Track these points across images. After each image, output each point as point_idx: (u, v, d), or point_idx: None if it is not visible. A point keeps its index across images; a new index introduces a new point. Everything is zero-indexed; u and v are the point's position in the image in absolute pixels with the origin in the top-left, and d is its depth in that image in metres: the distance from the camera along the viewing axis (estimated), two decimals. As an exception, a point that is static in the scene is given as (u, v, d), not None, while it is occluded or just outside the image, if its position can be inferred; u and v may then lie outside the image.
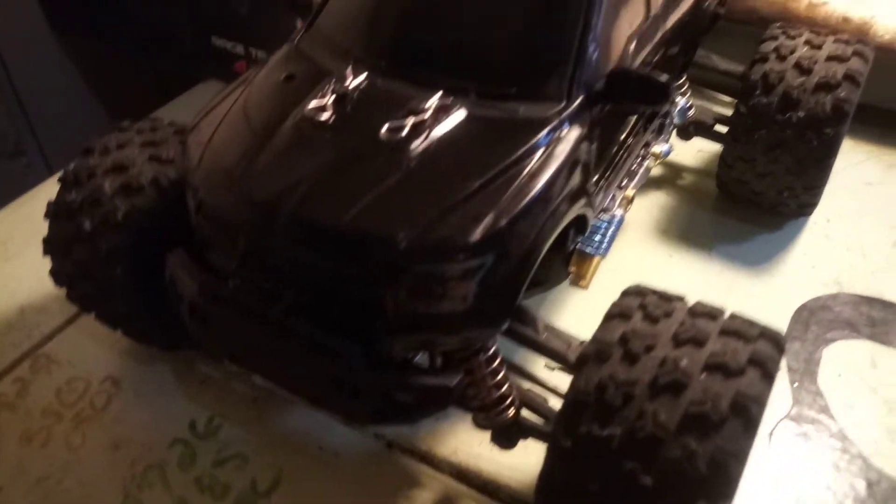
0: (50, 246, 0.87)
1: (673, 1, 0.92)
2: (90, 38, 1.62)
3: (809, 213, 1.18)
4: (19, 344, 1.02)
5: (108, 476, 0.86)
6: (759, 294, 1.08)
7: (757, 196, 1.14)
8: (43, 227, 0.87)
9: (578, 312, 1.03)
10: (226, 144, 0.70)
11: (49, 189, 0.92)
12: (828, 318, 1.04)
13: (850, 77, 1.02)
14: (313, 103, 0.69)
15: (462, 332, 0.65)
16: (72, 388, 0.96)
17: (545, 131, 0.68)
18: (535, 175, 0.66)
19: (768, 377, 0.62)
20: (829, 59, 1.04)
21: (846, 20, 1.32)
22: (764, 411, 0.61)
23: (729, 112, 1.12)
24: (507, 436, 0.75)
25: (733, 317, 0.69)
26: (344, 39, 0.78)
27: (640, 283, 0.75)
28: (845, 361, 0.99)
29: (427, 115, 0.68)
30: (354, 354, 0.64)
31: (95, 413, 0.94)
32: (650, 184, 1.26)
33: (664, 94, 0.71)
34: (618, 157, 0.90)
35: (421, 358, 0.73)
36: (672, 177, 1.28)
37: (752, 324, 0.68)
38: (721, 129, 1.15)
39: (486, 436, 0.77)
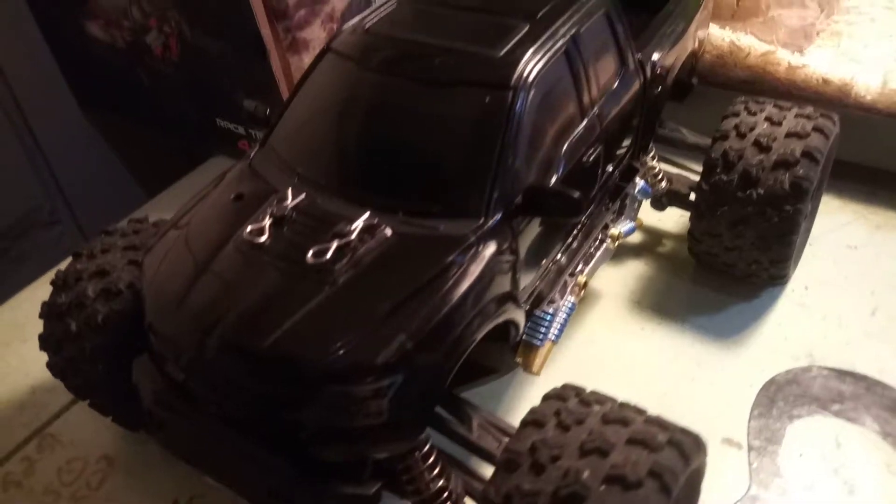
0: (44, 343, 0.96)
1: (614, 97, 0.95)
2: (114, 114, 1.74)
3: (783, 283, 1.18)
4: (29, 423, 1.11)
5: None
6: (729, 367, 1.09)
7: (729, 267, 1.16)
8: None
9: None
10: (174, 266, 0.77)
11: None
12: (795, 392, 1.05)
13: (808, 154, 1.03)
14: (252, 226, 0.76)
15: (379, 444, 0.70)
16: (71, 467, 1.05)
17: (461, 248, 0.73)
18: (448, 293, 0.70)
19: (666, 490, 0.64)
20: (789, 135, 1.06)
21: (826, 82, 1.32)
22: (658, 525, 0.64)
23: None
24: (447, 527, 0.79)
25: (647, 421, 0.72)
26: (290, 157, 0.85)
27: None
28: (809, 440, 0.99)
29: (352, 236, 0.73)
30: (282, 466, 0.69)
31: (90, 492, 1.01)
32: (629, 252, 1.28)
33: (577, 209, 0.75)
34: (562, 252, 0.94)
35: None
36: (653, 244, 1.30)
37: (664, 429, 0.71)
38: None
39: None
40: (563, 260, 0.97)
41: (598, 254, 1.04)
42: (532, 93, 0.80)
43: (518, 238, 0.79)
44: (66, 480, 1.03)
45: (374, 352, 0.66)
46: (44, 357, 1.07)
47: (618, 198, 1.08)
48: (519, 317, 0.83)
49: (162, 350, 0.76)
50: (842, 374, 1.06)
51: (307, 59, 1.31)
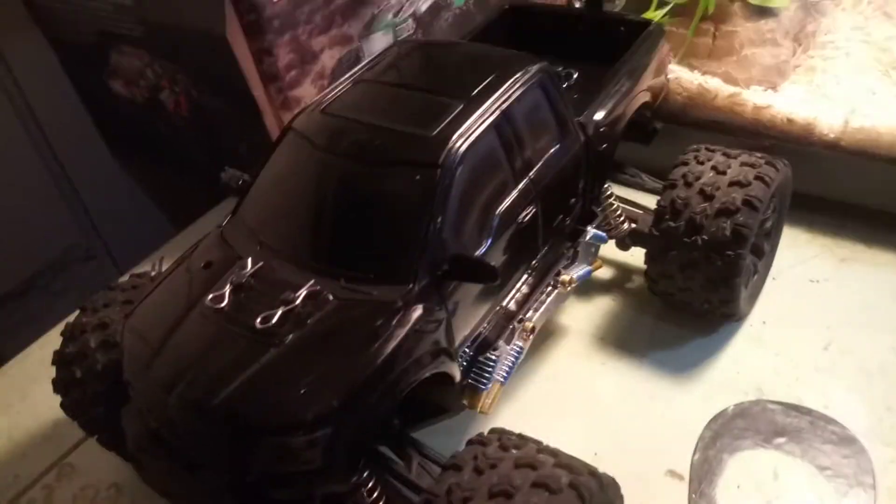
0: (57, 386, 1.09)
1: (552, 161, 1.04)
2: (140, 158, 1.90)
3: (737, 320, 1.25)
4: (51, 453, 1.25)
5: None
6: (680, 402, 1.16)
7: (686, 305, 1.23)
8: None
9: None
10: (148, 329, 0.88)
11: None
12: (741, 426, 1.11)
13: (748, 202, 1.10)
14: (213, 293, 0.87)
15: (317, 485, 0.81)
16: (84, 494, 1.18)
17: (389, 312, 0.83)
18: (374, 354, 0.80)
19: (561, 532, 0.73)
20: (731, 184, 1.12)
21: (791, 121, 1.38)
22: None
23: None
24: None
25: (557, 464, 0.80)
26: (255, 227, 0.96)
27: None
28: (748, 472, 1.05)
29: (297, 302, 0.84)
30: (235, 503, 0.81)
31: (101, 517, 1.15)
32: (598, 288, 1.36)
33: (493, 276, 0.84)
34: (510, 297, 1.03)
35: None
36: (621, 280, 1.38)
37: (570, 472, 0.79)
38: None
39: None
40: (512, 306, 1.06)
41: (550, 300, 1.12)
42: (460, 169, 0.89)
43: (449, 298, 0.89)
44: (80, 506, 1.17)
45: (305, 408, 0.77)
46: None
47: (571, 246, 1.16)
48: (453, 369, 0.92)
49: (136, 403, 0.89)
50: (788, 409, 1.12)
51: (299, 114, 1.43)
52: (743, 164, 1.15)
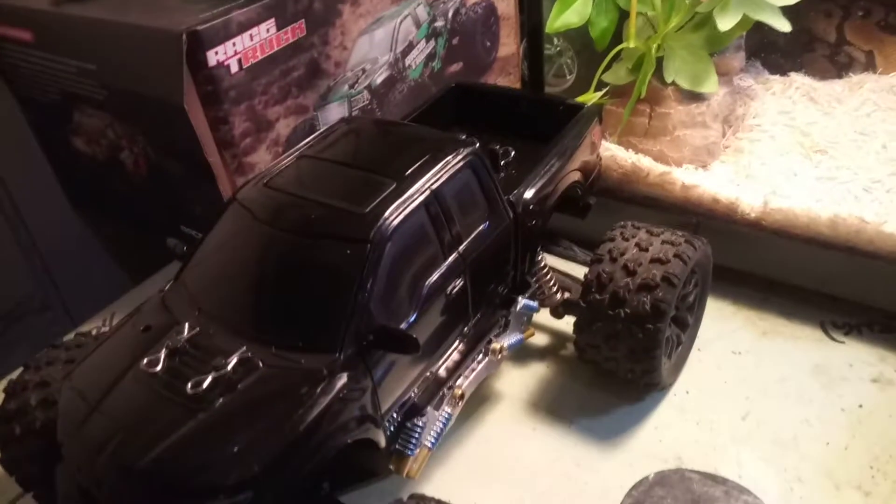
0: (-2, 442, 1.12)
1: (481, 237, 1.10)
2: (101, 213, 1.94)
3: (661, 390, 1.31)
4: (-7, 507, 1.27)
5: None
6: (604, 468, 1.21)
7: (612, 373, 1.29)
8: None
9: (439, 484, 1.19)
10: (83, 391, 0.92)
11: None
12: (659, 494, 1.16)
13: (667, 279, 1.17)
14: (149, 357, 0.91)
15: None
16: (21, 550, 1.20)
17: (312, 382, 0.87)
18: (296, 422, 0.84)
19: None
20: (653, 261, 1.20)
21: (716, 201, 1.47)
22: None
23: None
24: None
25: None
26: (195, 292, 1.00)
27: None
28: (662, 539, 1.10)
29: (228, 368, 0.88)
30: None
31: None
32: (533, 354, 1.42)
33: (414, 348, 0.90)
34: (439, 363, 1.08)
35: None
36: (557, 348, 1.44)
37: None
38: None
39: None
40: (443, 373, 1.11)
41: (480, 367, 1.17)
42: (389, 244, 0.95)
43: (376, 367, 0.94)
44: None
45: (227, 473, 0.81)
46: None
47: (503, 315, 1.22)
48: (378, 435, 0.96)
49: (68, 461, 0.92)
50: (705, 478, 1.18)
51: (252, 179, 1.49)
52: (664, 241, 1.23)
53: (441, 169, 1.05)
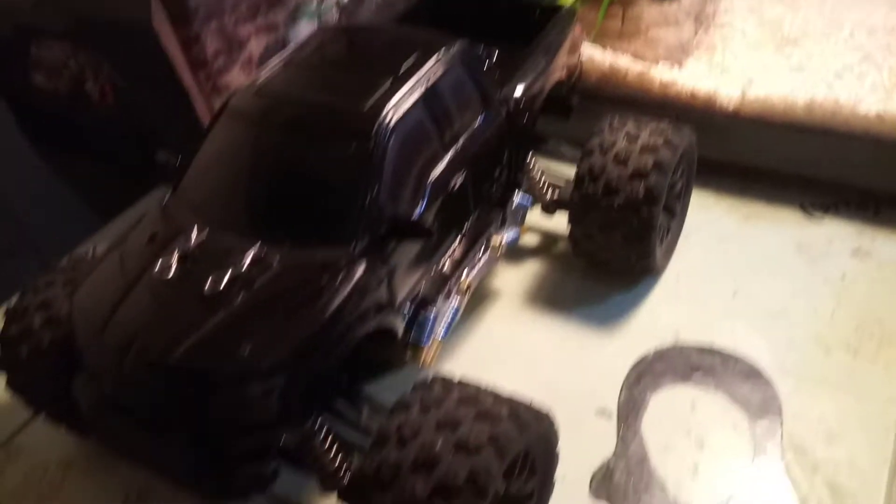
0: (3, 365, 1.10)
1: (477, 132, 1.11)
2: (64, 151, 1.88)
3: (656, 274, 1.35)
4: (-1, 436, 1.26)
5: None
6: (606, 349, 1.25)
7: (606, 263, 1.32)
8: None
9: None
10: (97, 299, 0.91)
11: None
12: (660, 368, 1.21)
13: (658, 165, 1.20)
14: (161, 262, 0.90)
15: (273, 432, 0.86)
16: (35, 472, 1.19)
17: (332, 272, 0.89)
18: (320, 309, 0.86)
19: (500, 453, 0.80)
20: (642, 150, 1.22)
21: (694, 95, 1.50)
22: (493, 480, 0.79)
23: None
24: (348, 496, 0.94)
25: (496, 401, 0.87)
26: (196, 201, 1.00)
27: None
28: (668, 407, 1.16)
29: (244, 266, 0.88)
30: (191, 457, 0.85)
31: (53, 492, 1.16)
32: (527, 254, 1.45)
33: (428, 236, 0.93)
34: (445, 257, 1.10)
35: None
36: (548, 246, 1.47)
37: (508, 406, 0.86)
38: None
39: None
40: (447, 268, 1.13)
41: (483, 261, 1.19)
42: (392, 138, 0.95)
43: (390, 258, 0.95)
44: (32, 482, 1.18)
45: (259, 359, 0.82)
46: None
47: (500, 211, 1.24)
48: (397, 322, 0.98)
49: (91, 369, 0.91)
50: (701, 350, 1.23)
51: (230, 100, 1.46)
52: (652, 132, 1.25)
53: (434, 65, 1.05)
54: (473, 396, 0.88)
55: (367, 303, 0.91)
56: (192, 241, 0.92)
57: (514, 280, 1.40)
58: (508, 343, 1.28)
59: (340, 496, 0.95)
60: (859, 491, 1.02)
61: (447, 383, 0.91)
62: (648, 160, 1.20)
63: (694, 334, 1.26)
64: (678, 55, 1.63)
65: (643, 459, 1.09)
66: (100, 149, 1.76)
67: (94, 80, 1.55)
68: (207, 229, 0.94)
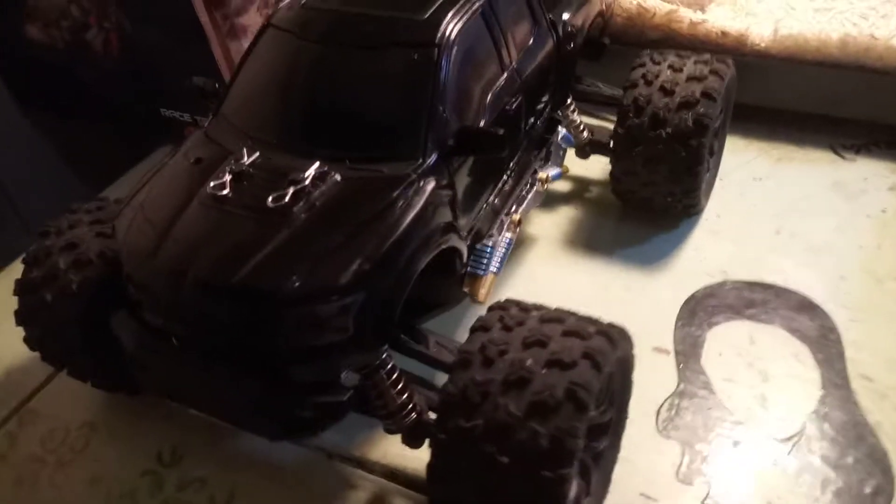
0: (20, 317, 1.02)
1: (530, 53, 1.07)
2: (57, 115, 1.78)
3: (698, 213, 1.32)
4: (8, 402, 1.16)
5: (89, 507, 1.00)
6: (653, 289, 1.21)
7: (647, 202, 1.28)
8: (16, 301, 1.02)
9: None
10: (145, 223, 0.84)
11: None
12: (712, 304, 1.18)
13: (707, 94, 1.16)
14: (214, 182, 0.84)
15: (347, 356, 0.79)
16: (53, 436, 1.11)
17: (403, 185, 0.83)
18: (394, 223, 0.80)
19: (597, 366, 0.75)
20: (689, 79, 1.19)
21: (724, 34, 1.46)
22: (593, 394, 0.74)
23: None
24: (412, 436, 0.88)
25: (579, 319, 0.83)
26: (242, 123, 0.93)
27: (515, 295, 0.89)
28: (726, 341, 1.12)
29: (306, 182, 0.82)
30: (259, 385, 0.78)
31: (75, 455, 1.08)
32: (560, 200, 1.40)
33: (502, 144, 0.86)
34: (497, 189, 1.05)
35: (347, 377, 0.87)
36: (580, 191, 1.43)
37: (591, 323, 0.82)
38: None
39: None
40: (498, 202, 1.08)
41: (530, 196, 1.15)
42: (455, 49, 0.90)
43: (454, 175, 0.89)
44: (50, 447, 1.09)
45: (336, 274, 0.76)
46: (15, 341, 1.13)
47: (543, 146, 1.19)
48: (461, 246, 0.93)
49: (140, 297, 0.84)
50: (752, 286, 1.20)
51: (246, 43, 1.38)
52: (696, 61, 1.22)
53: (486, -20, 1.00)
54: (555, 316, 0.83)
55: (437, 219, 0.86)
56: (245, 160, 0.85)
57: (549, 225, 1.35)
58: (552, 286, 1.23)
59: (405, 439, 0.90)
60: (932, 414, 1.00)
61: (523, 304, 0.86)
62: (696, 89, 1.16)
63: (742, 271, 1.23)
64: (701, 0, 1.60)
65: (709, 394, 1.05)
66: (99, 107, 1.66)
67: (98, 27, 1.46)
68: (259, 150, 0.87)
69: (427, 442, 0.87)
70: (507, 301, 0.87)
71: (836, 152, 1.45)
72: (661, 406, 1.04)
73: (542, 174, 1.17)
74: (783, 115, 1.51)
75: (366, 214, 0.81)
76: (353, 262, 0.76)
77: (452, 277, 0.97)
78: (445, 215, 0.88)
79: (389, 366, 0.86)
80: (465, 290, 1.02)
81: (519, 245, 1.30)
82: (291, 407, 0.80)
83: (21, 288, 1.01)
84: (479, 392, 0.76)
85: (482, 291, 1.03)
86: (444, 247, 0.87)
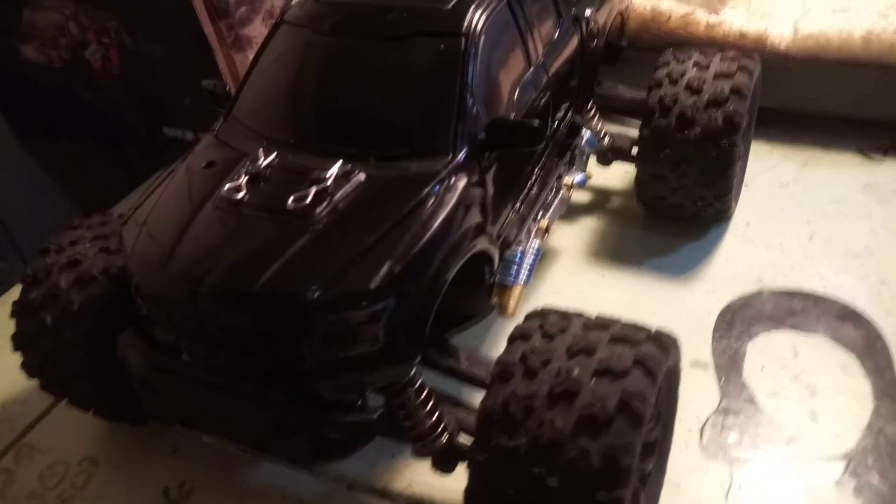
0: (18, 341, 0.95)
1: (556, 48, 1.02)
2: (53, 141, 1.72)
3: (727, 219, 1.26)
4: (2, 438, 1.09)
5: (93, 548, 0.92)
6: (687, 300, 1.15)
7: (676, 209, 1.23)
8: (12, 327, 0.95)
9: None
10: (155, 231, 0.78)
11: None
12: (750, 314, 1.12)
13: (736, 91, 1.11)
14: (229, 185, 0.78)
15: (377, 370, 0.73)
16: (53, 471, 1.03)
17: (433, 183, 0.77)
18: (426, 222, 0.74)
19: (651, 374, 0.69)
20: (717, 77, 1.13)
21: (743, 35, 1.42)
22: (648, 405, 0.68)
23: (642, 135, 1.20)
24: (444, 460, 0.81)
25: (624, 325, 0.76)
26: (256, 124, 0.88)
27: (548, 305, 0.83)
28: (768, 353, 1.05)
29: (328, 182, 0.76)
30: (284, 403, 0.71)
31: (76, 492, 1.00)
32: (581, 210, 1.34)
33: (538, 136, 0.80)
34: (523, 195, 0.99)
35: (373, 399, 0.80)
36: (602, 201, 1.37)
37: (639, 329, 0.75)
38: (638, 151, 1.24)
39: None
40: (524, 208, 1.02)
41: (556, 202, 1.09)
42: (482, 38, 0.85)
43: (486, 173, 0.84)
44: (50, 484, 1.02)
45: (366, 278, 0.69)
46: (9, 373, 1.07)
47: (567, 151, 1.13)
48: (493, 250, 0.87)
49: (150, 311, 0.77)
50: (790, 294, 1.14)
51: (250, 55, 1.34)
52: (723, 58, 1.17)
53: (514, -33, 0.95)
54: (600, 322, 0.77)
55: (469, 220, 0.80)
56: (261, 162, 0.79)
57: (572, 237, 1.29)
58: (580, 300, 1.17)
59: (435, 463, 0.83)
60: None
61: (563, 312, 0.79)
62: (725, 86, 1.11)
63: (778, 279, 1.16)
64: (715, 4, 1.55)
65: (755, 410, 0.98)
66: (98, 128, 1.60)
67: (97, 42, 1.41)
68: (276, 151, 0.81)
69: (461, 466, 0.81)
70: (545, 309, 0.81)
71: (863, 154, 1.40)
72: (705, 424, 0.98)
73: (567, 179, 1.11)
74: (805, 118, 1.46)
75: (394, 214, 0.75)
76: (382, 265, 0.70)
77: (482, 286, 0.91)
78: (477, 216, 0.82)
79: (419, 383, 0.79)
80: (494, 301, 0.95)
81: (540, 258, 1.24)
82: (319, 427, 0.73)
83: (19, 310, 0.94)
84: (522, 407, 0.69)
85: (511, 303, 0.96)
86: (476, 250, 0.81)
